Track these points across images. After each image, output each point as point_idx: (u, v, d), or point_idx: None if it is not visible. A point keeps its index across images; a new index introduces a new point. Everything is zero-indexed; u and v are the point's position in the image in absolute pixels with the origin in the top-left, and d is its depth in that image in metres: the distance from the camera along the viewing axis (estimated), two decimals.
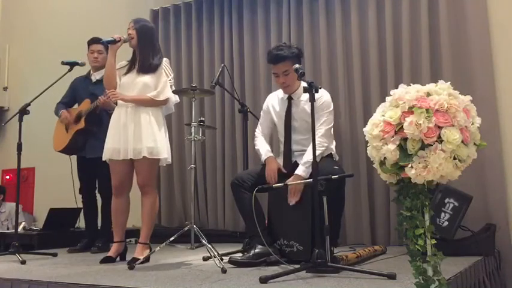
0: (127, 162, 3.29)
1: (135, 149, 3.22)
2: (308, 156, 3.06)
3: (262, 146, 3.39)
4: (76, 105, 4.31)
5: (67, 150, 4.26)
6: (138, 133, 3.23)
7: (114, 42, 3.35)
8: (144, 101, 3.28)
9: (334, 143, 3.42)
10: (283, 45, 3.32)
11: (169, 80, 3.36)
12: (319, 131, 3.18)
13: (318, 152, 3.01)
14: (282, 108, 3.38)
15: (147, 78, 3.32)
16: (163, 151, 3.28)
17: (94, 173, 4.19)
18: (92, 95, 4.08)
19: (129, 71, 3.40)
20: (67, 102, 4.34)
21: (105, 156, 3.33)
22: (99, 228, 4.31)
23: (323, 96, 3.26)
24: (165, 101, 3.34)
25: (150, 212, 3.31)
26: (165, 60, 3.40)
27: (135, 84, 3.33)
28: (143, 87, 3.31)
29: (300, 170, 3.07)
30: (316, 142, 3.00)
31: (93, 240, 4.17)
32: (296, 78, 3.24)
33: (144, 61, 3.35)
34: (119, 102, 3.36)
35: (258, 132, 3.49)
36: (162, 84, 3.31)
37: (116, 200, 3.37)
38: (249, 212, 3.04)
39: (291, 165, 3.25)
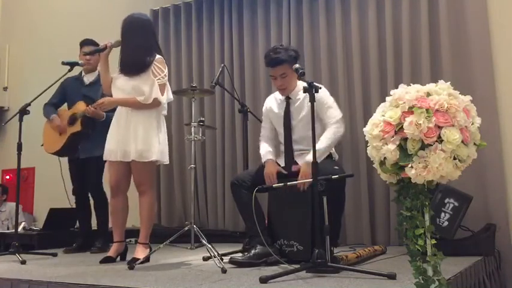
0: (123, 163, 3.28)
1: (125, 151, 3.21)
2: (320, 144, 3.11)
3: (264, 149, 3.40)
4: (65, 106, 4.28)
5: (61, 153, 4.22)
6: (128, 136, 3.22)
7: (100, 50, 3.38)
8: (132, 103, 3.23)
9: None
10: (280, 48, 3.28)
11: (158, 79, 3.22)
12: (332, 120, 3.24)
13: (334, 137, 3.19)
14: (281, 109, 3.39)
15: (136, 81, 3.23)
16: (153, 153, 3.22)
17: (85, 173, 4.20)
18: (86, 97, 4.04)
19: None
20: (56, 103, 4.30)
21: (104, 156, 3.34)
22: (93, 228, 4.31)
23: (322, 93, 3.24)
24: (156, 102, 3.23)
25: (148, 211, 3.30)
26: (155, 59, 3.27)
27: (125, 86, 3.28)
28: (132, 91, 3.24)
29: (310, 156, 2.99)
30: (332, 131, 3.20)
31: (87, 240, 4.17)
32: (293, 80, 3.25)
33: (127, 60, 3.27)
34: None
35: (261, 136, 3.51)
36: (149, 86, 3.20)
37: (113, 200, 3.37)
38: (249, 212, 3.04)
39: (292, 165, 3.25)
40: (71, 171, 4.28)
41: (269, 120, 3.50)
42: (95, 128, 4.00)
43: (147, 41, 3.33)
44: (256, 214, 3.03)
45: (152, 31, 3.43)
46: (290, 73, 3.21)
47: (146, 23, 3.39)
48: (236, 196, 3.24)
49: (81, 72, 4.33)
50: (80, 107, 4.07)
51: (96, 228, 4.26)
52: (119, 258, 3.39)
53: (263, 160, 3.33)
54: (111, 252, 3.37)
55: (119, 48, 3.39)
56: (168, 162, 3.44)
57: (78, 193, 4.24)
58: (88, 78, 4.24)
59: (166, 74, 3.31)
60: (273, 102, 3.48)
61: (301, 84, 3.21)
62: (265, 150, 3.38)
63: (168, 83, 3.37)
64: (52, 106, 4.29)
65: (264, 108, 3.56)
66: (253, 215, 3.02)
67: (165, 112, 3.39)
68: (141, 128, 3.22)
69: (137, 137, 3.21)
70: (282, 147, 3.40)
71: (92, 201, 4.26)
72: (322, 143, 3.14)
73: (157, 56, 3.31)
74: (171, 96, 3.40)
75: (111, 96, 3.37)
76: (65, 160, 4.33)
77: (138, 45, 3.28)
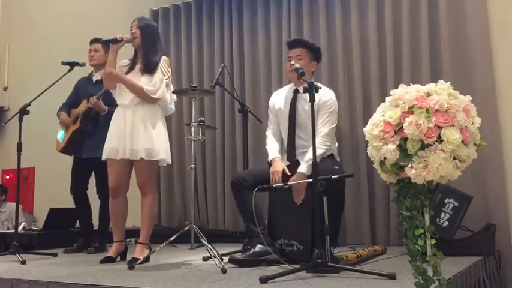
0: (125, 163, 3.27)
1: (132, 149, 3.20)
2: (310, 154, 3.05)
3: (272, 146, 3.39)
4: None
5: (66, 151, 4.26)
6: (136, 134, 3.21)
7: (114, 41, 3.31)
8: (137, 88, 3.23)
9: (336, 143, 3.42)
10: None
11: (166, 79, 3.30)
12: (322, 130, 3.20)
13: (320, 152, 3.04)
14: (287, 102, 3.39)
15: (148, 78, 3.27)
16: (161, 152, 3.24)
17: (87, 173, 4.21)
18: (91, 96, 4.08)
19: (130, 70, 3.35)
20: (70, 103, 4.33)
21: (104, 155, 3.32)
22: (94, 227, 4.31)
23: (328, 94, 3.31)
24: (157, 99, 3.26)
25: (150, 212, 3.30)
26: (162, 59, 3.35)
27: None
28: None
29: (303, 168, 3.07)
30: (318, 141, 3.05)
31: (88, 240, 4.17)
32: (306, 72, 3.21)
33: (148, 62, 3.31)
34: (120, 102, 3.35)
35: (268, 131, 3.50)
36: (158, 82, 3.25)
37: (113, 200, 3.36)
38: (249, 211, 3.04)
39: (294, 159, 3.25)
40: (73, 170, 4.28)
41: (274, 114, 3.49)
42: (96, 125, 4.01)
43: (161, 45, 3.48)
44: (256, 214, 3.03)
45: (159, 33, 3.58)
46: (306, 59, 3.31)
47: (157, 27, 3.58)
48: (236, 195, 3.24)
49: (92, 71, 4.35)
50: (83, 105, 4.11)
51: (97, 228, 4.26)
52: (119, 258, 3.39)
53: (270, 157, 3.31)
54: (111, 252, 3.37)
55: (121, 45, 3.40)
56: (170, 163, 3.44)
57: (76, 192, 4.23)
58: (96, 77, 4.25)
59: (171, 76, 3.38)
60: (279, 96, 3.50)
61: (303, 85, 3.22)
62: (273, 147, 3.37)
63: (171, 84, 3.42)
64: (65, 106, 4.33)
65: (270, 102, 3.56)
66: (253, 214, 3.01)
67: (168, 113, 3.45)
68: (149, 126, 3.23)
69: (146, 135, 3.21)
70: (285, 142, 3.39)
71: (89, 201, 4.26)
72: (310, 154, 3.04)
73: (164, 56, 3.40)
74: (174, 97, 3.45)
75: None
76: (68, 160, 4.34)
77: (156, 48, 3.36)
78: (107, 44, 3.49)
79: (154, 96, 3.24)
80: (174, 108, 3.50)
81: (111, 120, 3.36)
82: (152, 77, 3.27)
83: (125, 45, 3.35)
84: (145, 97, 3.24)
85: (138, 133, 3.21)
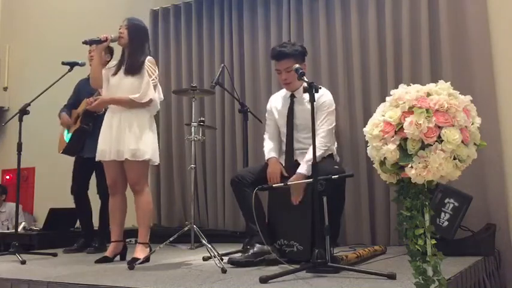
0: (116, 163, 3.31)
1: (118, 150, 3.24)
2: (310, 154, 3.05)
3: (267, 146, 3.41)
4: None
5: (68, 151, 4.26)
6: (122, 136, 3.24)
7: (98, 42, 3.36)
8: (125, 102, 3.26)
9: (335, 144, 3.42)
10: (287, 43, 3.42)
11: (152, 79, 3.30)
12: (321, 131, 3.19)
13: (319, 153, 3.02)
14: (285, 107, 3.40)
15: (133, 80, 3.29)
16: (147, 153, 3.25)
17: (89, 173, 4.21)
18: (91, 95, 4.09)
19: (117, 71, 3.38)
20: (71, 104, 4.35)
21: (97, 157, 3.37)
22: (94, 227, 4.31)
23: (324, 95, 3.29)
24: (148, 103, 3.29)
25: (144, 211, 3.32)
26: (147, 60, 3.34)
27: (121, 85, 3.31)
28: (130, 89, 3.28)
29: (303, 169, 3.08)
30: (318, 142, 3.02)
31: (89, 240, 4.17)
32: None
33: (133, 62, 3.33)
34: (108, 106, 3.38)
35: (266, 135, 3.51)
36: (144, 85, 3.26)
37: (112, 198, 3.42)
38: (249, 210, 3.03)
39: (293, 164, 3.25)
40: (74, 170, 4.28)
41: (272, 118, 3.50)
42: (97, 124, 4.02)
43: (148, 47, 3.49)
44: (256, 213, 3.02)
45: (148, 35, 3.59)
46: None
47: (146, 29, 3.57)
48: (237, 193, 3.24)
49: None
50: (83, 105, 4.12)
51: (97, 228, 4.26)
52: (118, 258, 3.40)
53: (266, 157, 3.34)
54: (108, 252, 3.38)
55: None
56: (158, 163, 3.46)
57: (76, 192, 4.23)
58: None
59: (158, 75, 3.40)
60: (277, 100, 3.50)
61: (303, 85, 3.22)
62: (269, 147, 3.39)
63: (158, 83, 3.43)
64: (67, 107, 4.34)
65: (268, 106, 3.57)
66: (253, 213, 3.01)
67: (154, 112, 3.43)
68: (135, 127, 3.25)
69: (131, 136, 3.23)
70: (283, 146, 3.40)
71: (91, 201, 4.26)
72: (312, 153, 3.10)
73: (149, 56, 3.39)
74: (162, 96, 3.47)
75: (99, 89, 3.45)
76: (68, 160, 4.33)
77: (142, 50, 3.37)
78: (90, 44, 3.53)
79: (143, 102, 3.26)
80: (159, 106, 3.45)
81: (103, 123, 3.39)
82: (136, 79, 3.28)
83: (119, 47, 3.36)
84: (136, 105, 3.26)
85: (124, 135, 3.24)
